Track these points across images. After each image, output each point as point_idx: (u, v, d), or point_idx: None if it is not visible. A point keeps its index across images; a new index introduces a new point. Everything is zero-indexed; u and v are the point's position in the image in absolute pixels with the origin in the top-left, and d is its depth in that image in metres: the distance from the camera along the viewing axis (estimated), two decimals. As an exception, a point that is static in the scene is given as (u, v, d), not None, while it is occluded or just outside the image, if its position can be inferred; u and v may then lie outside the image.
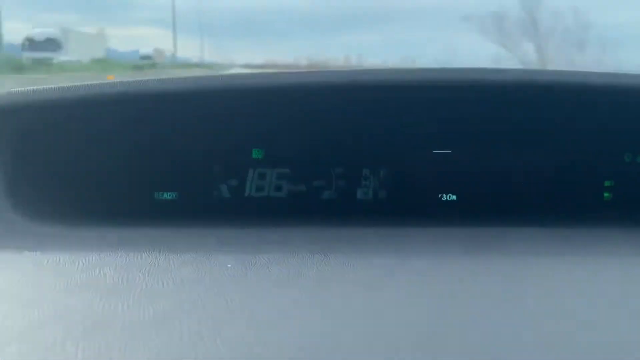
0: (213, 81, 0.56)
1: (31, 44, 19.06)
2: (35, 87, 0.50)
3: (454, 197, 0.67)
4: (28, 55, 18.03)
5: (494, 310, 0.37)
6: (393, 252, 0.52)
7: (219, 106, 0.60)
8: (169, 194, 0.64)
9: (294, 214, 0.67)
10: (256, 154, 0.65)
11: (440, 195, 0.67)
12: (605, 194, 0.67)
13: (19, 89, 0.50)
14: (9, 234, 0.49)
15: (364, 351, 0.31)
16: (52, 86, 0.51)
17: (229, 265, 0.42)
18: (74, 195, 0.59)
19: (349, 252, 0.52)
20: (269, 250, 0.49)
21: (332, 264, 0.49)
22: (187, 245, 0.51)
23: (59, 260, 0.46)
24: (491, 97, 0.63)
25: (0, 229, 0.50)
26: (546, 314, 0.36)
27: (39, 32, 20.01)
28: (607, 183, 0.66)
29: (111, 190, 0.61)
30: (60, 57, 19.08)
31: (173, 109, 0.58)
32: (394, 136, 0.67)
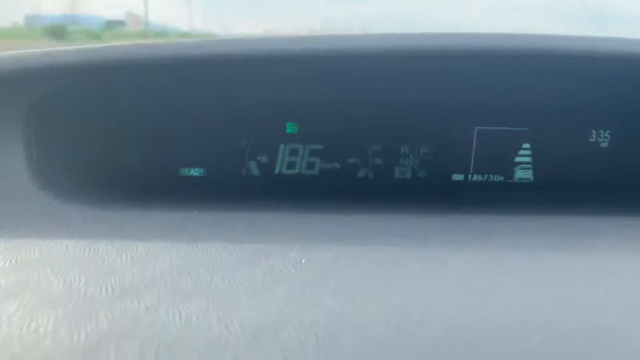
0: (247, 45, 0.50)
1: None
2: (56, 49, 0.45)
3: (501, 178, 0.62)
4: None
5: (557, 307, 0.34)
6: (432, 238, 0.48)
7: (253, 74, 0.55)
8: (195, 170, 0.59)
9: (326, 194, 0.63)
10: (290, 128, 0.60)
11: (486, 177, 0.62)
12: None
13: (38, 50, 0.45)
14: (33, 212, 0.45)
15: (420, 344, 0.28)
16: (72, 47, 0.45)
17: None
18: (96, 170, 0.54)
19: (385, 238, 0.48)
20: (299, 234, 0.45)
21: (368, 252, 0.45)
22: (208, 230, 0.46)
23: (82, 243, 0.42)
24: (552, 68, 0.57)
25: (24, 206, 0.45)
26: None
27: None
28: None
29: (134, 165, 0.56)
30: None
31: (202, 75, 0.53)
32: (437, 111, 0.62)
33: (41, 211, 0.45)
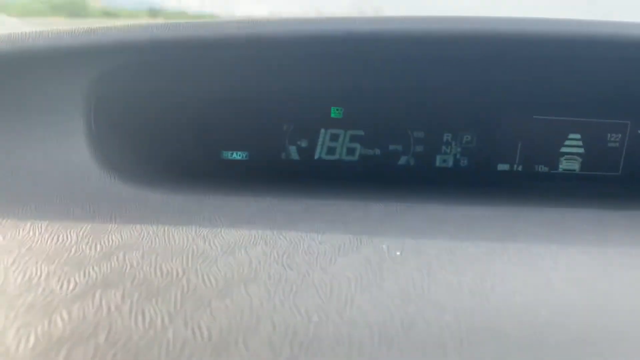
0: (295, 26, 0.49)
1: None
2: (113, 26, 0.43)
3: (546, 169, 0.61)
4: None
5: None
6: (474, 231, 0.47)
7: (297, 55, 0.53)
8: (238, 153, 0.58)
9: (366, 181, 0.62)
10: (335, 112, 0.59)
11: (535, 167, 0.61)
12: None
13: (95, 26, 0.43)
14: (89, 190, 0.44)
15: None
16: (129, 24, 0.44)
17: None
18: (144, 150, 0.53)
19: (426, 228, 0.47)
20: (340, 220, 0.44)
21: (424, 225, 0.44)
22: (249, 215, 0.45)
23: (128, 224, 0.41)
24: (601, 55, 0.55)
25: (83, 185, 0.44)
26: None
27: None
28: None
29: (178, 148, 0.55)
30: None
31: (250, 57, 0.51)
32: (481, 98, 0.60)
33: (97, 189, 0.44)
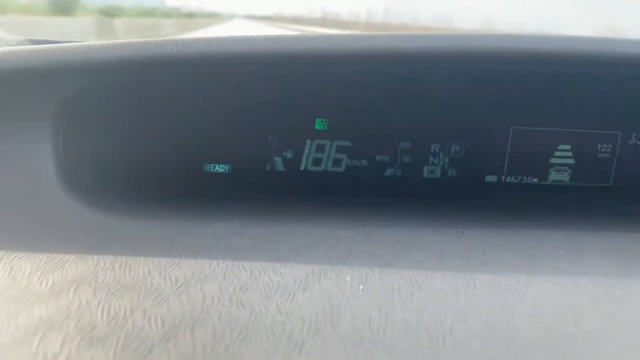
0: (279, 43, 0.48)
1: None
2: (86, 44, 0.42)
3: (535, 181, 0.60)
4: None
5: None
6: (454, 226, 0.46)
7: (282, 70, 0.52)
8: (221, 166, 0.57)
9: (352, 192, 0.61)
10: (319, 124, 0.58)
11: (520, 179, 0.60)
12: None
13: (66, 45, 0.43)
14: (58, 216, 0.43)
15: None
16: (101, 44, 0.43)
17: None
18: (122, 166, 0.52)
19: (396, 256, 0.46)
20: (308, 246, 0.43)
21: (387, 236, 0.43)
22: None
23: (109, 249, 0.40)
24: (589, 71, 0.55)
25: (46, 209, 0.43)
26: None
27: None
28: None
29: (158, 162, 0.54)
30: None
31: (232, 72, 0.51)
32: (469, 109, 0.59)
33: (67, 213, 0.43)
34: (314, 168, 0.60)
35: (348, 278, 0.36)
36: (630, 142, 0.59)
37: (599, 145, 0.60)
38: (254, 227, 0.44)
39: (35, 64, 0.42)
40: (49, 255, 0.38)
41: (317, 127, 0.58)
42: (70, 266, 0.37)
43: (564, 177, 0.60)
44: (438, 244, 0.43)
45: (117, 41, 0.43)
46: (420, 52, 0.53)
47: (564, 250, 0.42)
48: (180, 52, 0.45)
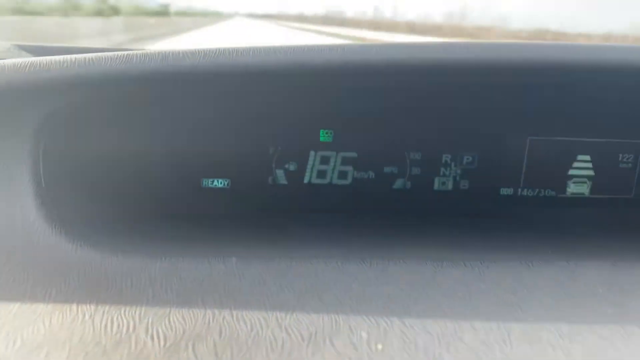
0: (279, 55, 0.45)
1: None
2: (70, 58, 0.39)
3: (553, 193, 0.57)
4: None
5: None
6: (475, 254, 0.43)
7: (284, 81, 0.49)
8: (219, 181, 0.54)
9: (359, 206, 0.57)
10: (324, 136, 0.54)
11: (537, 191, 0.56)
12: None
13: (49, 59, 0.39)
14: (29, 251, 0.38)
15: None
16: (87, 57, 0.39)
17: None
18: (114, 184, 0.49)
19: (424, 255, 0.43)
20: (316, 289, 0.38)
21: (403, 272, 0.39)
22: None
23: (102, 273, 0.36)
24: (605, 80, 0.51)
25: (24, 244, 0.39)
26: None
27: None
28: None
29: (149, 180, 0.51)
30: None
31: (232, 82, 0.47)
32: (483, 117, 0.56)
33: (40, 250, 0.39)
34: (319, 181, 0.57)
35: (364, 334, 0.32)
36: (653, 152, 0.56)
37: (620, 155, 0.57)
38: (254, 264, 0.39)
39: (7, 80, 0.38)
40: (20, 305, 0.33)
41: (321, 139, 0.54)
42: (41, 323, 0.32)
43: (584, 189, 0.57)
44: (461, 282, 0.39)
45: (104, 54, 0.40)
46: (433, 62, 0.49)
47: (602, 288, 0.38)
48: (174, 64, 0.42)
